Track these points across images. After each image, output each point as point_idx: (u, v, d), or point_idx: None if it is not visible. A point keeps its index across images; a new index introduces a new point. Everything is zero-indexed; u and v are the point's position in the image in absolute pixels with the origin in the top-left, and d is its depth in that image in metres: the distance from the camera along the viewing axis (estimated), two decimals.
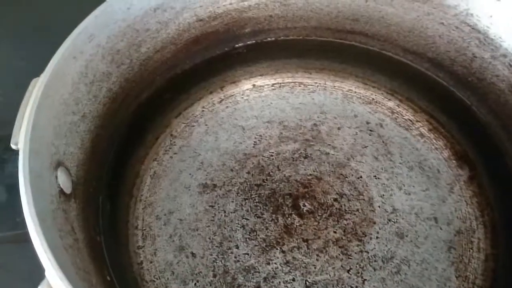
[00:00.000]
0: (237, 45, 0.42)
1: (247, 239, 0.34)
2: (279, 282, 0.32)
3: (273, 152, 0.38)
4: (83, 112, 0.31)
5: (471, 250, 0.34)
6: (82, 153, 0.30)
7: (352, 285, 0.32)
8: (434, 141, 0.39)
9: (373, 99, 0.41)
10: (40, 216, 0.21)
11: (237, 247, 0.34)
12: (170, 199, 0.36)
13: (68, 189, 0.27)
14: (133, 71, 0.36)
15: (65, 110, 0.28)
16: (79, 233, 0.26)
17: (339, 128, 0.40)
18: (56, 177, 0.26)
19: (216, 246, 0.34)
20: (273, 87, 0.42)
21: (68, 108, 0.29)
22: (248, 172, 0.37)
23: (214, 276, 0.33)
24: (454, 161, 0.38)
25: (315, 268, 0.33)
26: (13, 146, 0.24)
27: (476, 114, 0.37)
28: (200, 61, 0.41)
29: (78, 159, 0.29)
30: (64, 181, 0.26)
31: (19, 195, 0.22)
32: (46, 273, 0.19)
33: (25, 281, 0.30)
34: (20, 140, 0.24)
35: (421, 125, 0.40)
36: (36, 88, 0.26)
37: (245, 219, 0.35)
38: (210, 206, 0.36)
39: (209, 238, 0.34)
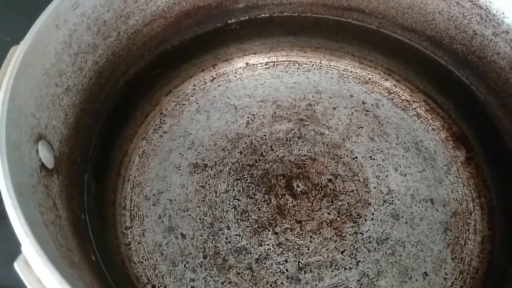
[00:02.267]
0: (230, 21, 0.40)
1: (239, 220, 0.33)
2: (271, 263, 0.31)
3: (266, 132, 0.37)
4: (67, 85, 0.29)
5: (467, 232, 0.33)
6: (66, 128, 0.29)
7: (346, 267, 0.31)
8: (431, 122, 0.38)
9: (369, 79, 0.40)
10: (18, 189, 0.20)
11: (228, 228, 0.33)
12: (160, 179, 0.35)
13: (50, 164, 0.26)
14: (120, 44, 0.34)
15: (47, 81, 0.27)
16: (62, 210, 0.25)
17: (334, 108, 0.39)
18: (37, 150, 0.24)
19: (207, 227, 0.33)
20: (267, 66, 0.41)
21: (50, 79, 0.27)
22: (240, 152, 0.36)
23: (205, 257, 0.32)
24: (451, 142, 0.37)
25: (308, 249, 0.32)
26: None
27: (475, 94, 0.36)
28: (191, 37, 0.39)
29: (61, 133, 0.28)
30: (45, 155, 0.25)
31: None
32: (23, 248, 0.18)
33: (2, 259, 0.28)
34: None
35: (418, 105, 0.39)
36: (15, 56, 0.24)
37: (237, 199, 0.34)
38: (200, 186, 0.35)
39: (200, 219, 0.33)
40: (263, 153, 0.36)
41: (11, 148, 0.21)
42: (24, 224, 0.18)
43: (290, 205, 0.34)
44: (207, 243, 0.32)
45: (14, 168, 0.21)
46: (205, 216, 0.33)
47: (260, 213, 0.33)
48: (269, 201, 0.34)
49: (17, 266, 0.18)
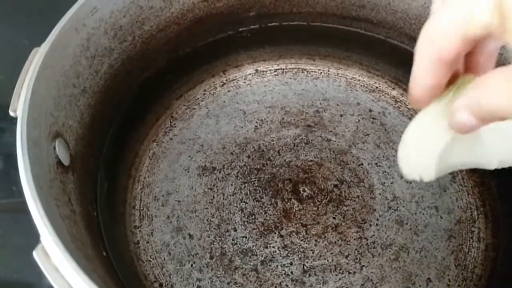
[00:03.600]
0: (241, 29, 0.41)
1: (245, 222, 0.34)
2: (277, 265, 0.32)
3: (274, 137, 0.38)
4: (83, 86, 0.30)
5: (471, 240, 0.33)
6: (82, 128, 0.30)
7: (350, 271, 0.32)
8: None
9: (376, 87, 0.41)
10: (37, 183, 0.21)
11: (235, 229, 0.33)
12: (169, 180, 0.36)
13: (66, 161, 0.27)
14: (135, 48, 0.35)
15: (65, 82, 0.28)
16: (76, 206, 0.26)
17: (341, 115, 0.39)
18: (54, 147, 0.25)
19: (214, 228, 0.34)
20: (276, 73, 0.42)
21: (68, 80, 0.28)
22: (248, 156, 0.37)
23: (211, 258, 0.32)
24: None
25: (313, 253, 0.32)
26: (11, 113, 0.24)
27: None
28: (203, 43, 0.40)
29: (77, 132, 0.29)
30: (62, 152, 0.26)
31: (16, 164, 0.22)
32: (42, 239, 0.19)
33: (19, 252, 0.29)
34: (19, 107, 0.23)
35: None
36: (37, 57, 0.25)
37: (244, 202, 0.35)
38: (209, 188, 0.35)
39: (207, 220, 0.34)
40: (271, 158, 0.37)
41: (31, 144, 0.22)
42: (44, 216, 0.19)
43: (296, 209, 0.34)
44: (213, 244, 0.33)
45: (34, 163, 0.22)
46: (212, 218, 0.34)
47: (266, 216, 0.34)
48: (275, 205, 0.34)
49: (36, 255, 0.19)
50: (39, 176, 0.22)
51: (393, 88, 0.41)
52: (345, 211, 0.34)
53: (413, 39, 0.39)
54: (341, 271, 0.32)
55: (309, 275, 0.32)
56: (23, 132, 0.22)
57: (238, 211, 0.34)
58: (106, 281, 0.23)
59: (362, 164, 0.37)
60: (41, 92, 0.25)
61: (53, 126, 0.26)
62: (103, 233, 0.29)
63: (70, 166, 0.27)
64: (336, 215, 0.34)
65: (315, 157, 0.37)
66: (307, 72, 0.42)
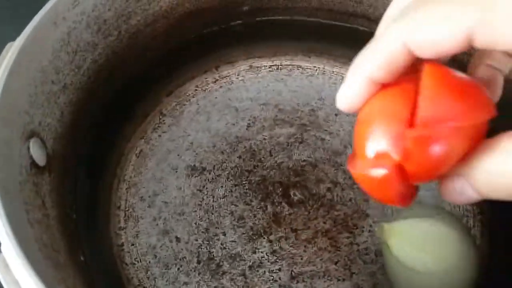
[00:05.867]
0: (234, 23, 0.40)
1: (235, 226, 0.32)
2: (264, 271, 0.31)
3: (266, 136, 0.37)
4: (63, 83, 0.29)
5: None
6: (61, 126, 0.28)
7: (339, 278, 0.30)
8: None
9: None
10: (3, 186, 0.19)
11: (224, 234, 0.32)
12: (156, 180, 0.35)
13: (41, 162, 0.25)
14: (121, 44, 0.34)
15: (43, 78, 0.27)
16: (51, 209, 0.24)
17: (336, 115, 0.38)
18: (28, 147, 0.24)
19: (202, 232, 0.32)
20: (270, 69, 0.41)
21: (46, 77, 0.27)
22: (239, 157, 0.36)
23: (199, 262, 0.31)
24: None
25: (301, 259, 0.31)
26: None
27: None
28: (194, 38, 0.39)
29: (56, 131, 0.28)
30: (37, 152, 0.25)
31: None
32: (2, 248, 0.18)
33: None
34: None
35: None
36: (10, 52, 0.24)
37: (234, 205, 0.33)
38: (198, 190, 0.34)
39: (195, 223, 0.33)
40: (262, 159, 0.35)
41: (0, 144, 0.21)
42: (6, 223, 0.18)
43: (286, 213, 0.33)
44: (201, 248, 0.32)
45: (1, 166, 0.21)
46: (200, 221, 0.33)
47: (255, 220, 0.33)
48: (265, 208, 0.33)
49: None
50: (7, 179, 0.21)
51: None
52: (336, 215, 0.33)
53: None
54: (329, 278, 0.30)
55: (297, 282, 0.30)
56: None
57: (228, 214, 0.33)
58: None
59: None
60: (14, 89, 0.24)
61: (28, 125, 0.25)
62: (81, 236, 0.28)
63: (47, 166, 0.26)
64: (326, 220, 0.33)
65: (308, 157, 0.35)
66: (302, 69, 0.40)
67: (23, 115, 0.25)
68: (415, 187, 0.19)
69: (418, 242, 0.27)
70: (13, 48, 0.24)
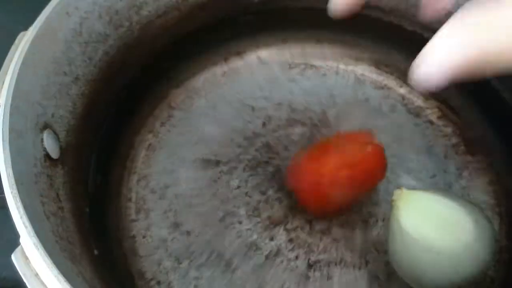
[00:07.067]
0: (245, 14, 0.39)
1: (251, 216, 0.32)
2: (282, 260, 0.31)
3: (279, 132, 0.36)
4: (76, 74, 0.28)
5: None
6: (74, 118, 0.28)
7: (355, 265, 0.30)
8: (443, 128, 0.37)
9: (385, 84, 0.39)
10: (19, 178, 0.19)
11: (240, 222, 0.32)
12: (167, 173, 0.34)
13: (55, 154, 0.25)
14: (132, 35, 0.33)
15: (56, 69, 0.26)
16: (65, 201, 0.24)
17: (349, 113, 0.37)
18: (42, 139, 0.24)
19: (217, 223, 0.32)
20: (280, 62, 0.40)
21: (59, 68, 0.27)
22: (256, 150, 0.35)
23: (210, 254, 0.31)
24: (463, 147, 0.35)
25: (318, 248, 0.31)
26: None
27: (499, 96, 0.34)
28: (204, 29, 0.38)
29: (68, 123, 0.27)
30: (50, 145, 0.24)
31: None
32: (21, 240, 0.17)
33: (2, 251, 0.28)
34: (2, 95, 0.22)
35: (431, 111, 0.37)
36: (23, 41, 0.24)
37: (249, 196, 0.33)
38: (213, 181, 0.34)
39: (209, 215, 0.32)
40: (278, 152, 0.35)
41: (14, 135, 0.21)
42: (23, 215, 0.18)
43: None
44: (213, 240, 0.32)
45: (16, 157, 0.20)
46: (215, 211, 0.32)
47: (272, 210, 0.32)
48: (280, 200, 0.33)
49: (14, 258, 0.17)
50: (22, 171, 0.20)
51: (401, 86, 0.39)
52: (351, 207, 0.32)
53: (426, 27, 0.37)
54: (345, 265, 0.30)
55: (314, 270, 0.30)
56: (5, 122, 0.20)
57: (244, 204, 0.33)
58: (94, 285, 0.21)
59: None
60: (27, 79, 0.23)
61: (41, 116, 0.24)
62: (94, 229, 0.27)
63: (60, 159, 0.25)
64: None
65: None
66: (315, 67, 0.40)
67: (36, 106, 0.24)
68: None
69: (432, 216, 0.25)
70: (25, 38, 0.24)
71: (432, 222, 0.25)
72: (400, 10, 0.37)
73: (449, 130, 0.37)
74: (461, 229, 0.24)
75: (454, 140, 0.36)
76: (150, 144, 0.36)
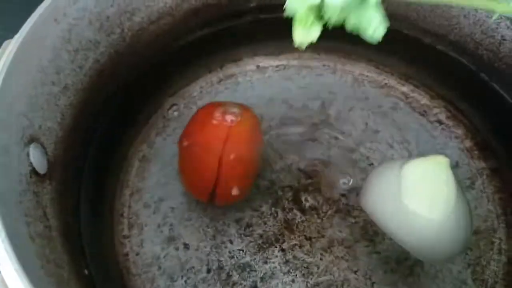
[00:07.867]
0: (240, 20, 0.38)
1: (242, 235, 0.31)
2: (277, 283, 0.29)
3: (273, 134, 0.35)
4: (64, 83, 0.27)
5: (490, 252, 0.31)
6: (62, 130, 0.27)
7: (360, 287, 0.29)
8: (453, 129, 0.35)
9: (386, 83, 0.38)
10: (1, 198, 0.18)
11: (231, 242, 0.31)
12: (161, 185, 0.33)
13: (42, 169, 0.24)
14: (124, 42, 0.32)
15: (43, 78, 0.25)
16: (53, 219, 0.23)
17: (349, 110, 0.36)
18: (28, 154, 0.22)
19: (210, 239, 0.31)
20: (277, 68, 0.39)
21: (46, 77, 0.25)
22: None
23: (208, 271, 0.30)
24: (476, 152, 0.34)
25: (318, 268, 0.29)
26: None
27: (503, 100, 0.33)
28: (199, 36, 0.37)
29: (56, 136, 0.26)
30: (37, 159, 0.23)
31: None
32: (1, 268, 0.16)
33: None
34: None
35: (439, 111, 0.36)
36: (8, 50, 0.22)
37: (240, 212, 0.32)
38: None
39: (202, 230, 0.31)
40: (271, 162, 0.34)
41: None
42: (5, 239, 0.16)
43: (299, 220, 0.31)
44: (210, 256, 0.30)
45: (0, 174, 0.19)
46: (207, 228, 0.31)
47: (266, 227, 0.31)
48: (275, 215, 0.31)
49: None
50: (5, 190, 0.19)
51: (403, 85, 0.38)
52: (353, 223, 0.31)
53: (427, 33, 0.36)
54: (349, 287, 0.29)
55: None
56: None
57: (233, 221, 0.31)
58: None
59: (372, 164, 0.34)
60: (12, 90, 0.22)
61: (27, 129, 0.23)
62: (85, 247, 0.26)
63: (47, 174, 0.24)
64: (342, 229, 0.31)
65: (321, 155, 0.34)
66: (311, 68, 0.39)
67: (22, 119, 0.23)
68: None
69: (420, 181, 0.26)
70: (10, 46, 0.23)
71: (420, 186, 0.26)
72: (401, 14, 0.37)
73: (460, 131, 0.35)
74: (448, 194, 0.26)
75: (466, 143, 0.35)
76: (144, 155, 0.34)
